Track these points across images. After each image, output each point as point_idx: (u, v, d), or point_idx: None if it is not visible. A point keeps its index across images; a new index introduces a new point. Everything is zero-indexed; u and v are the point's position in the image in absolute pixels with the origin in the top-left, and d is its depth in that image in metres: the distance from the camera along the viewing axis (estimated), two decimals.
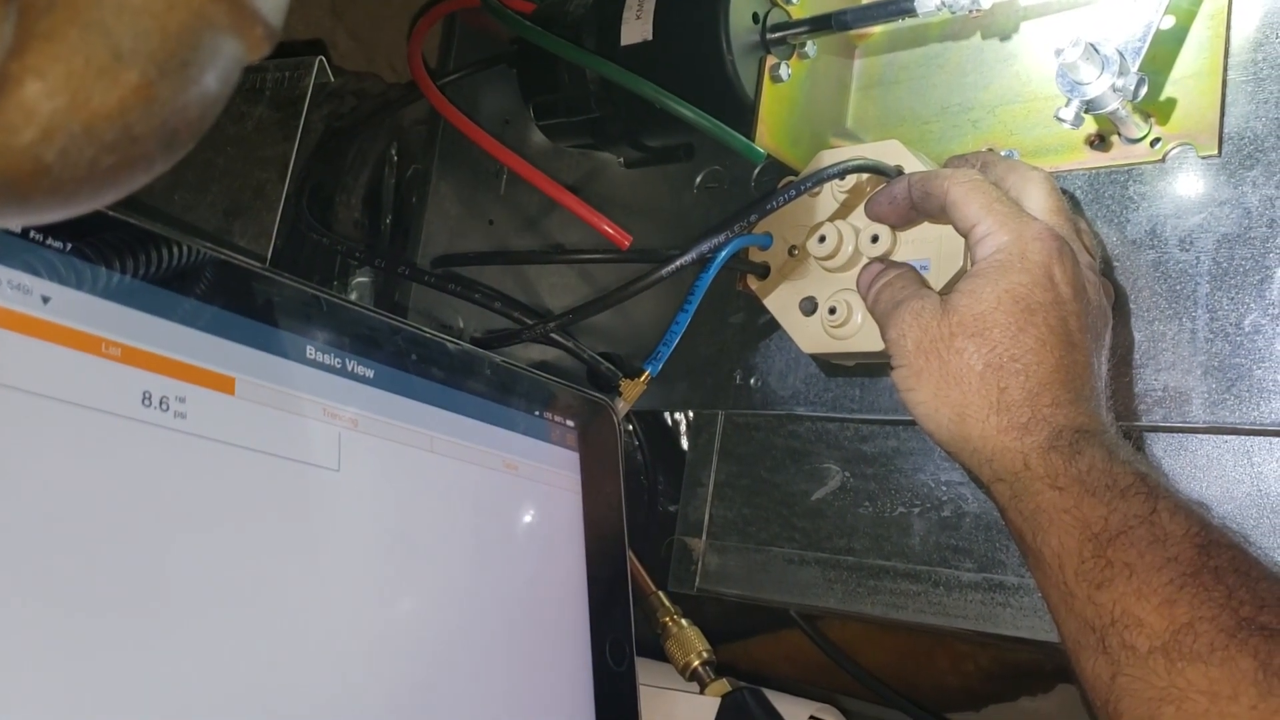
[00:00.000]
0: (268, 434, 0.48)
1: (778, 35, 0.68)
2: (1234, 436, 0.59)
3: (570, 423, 0.65)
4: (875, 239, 0.64)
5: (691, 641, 0.65)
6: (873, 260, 0.63)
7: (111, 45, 0.27)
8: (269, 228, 0.70)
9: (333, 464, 0.50)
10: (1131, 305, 0.61)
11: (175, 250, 0.46)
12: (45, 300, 0.42)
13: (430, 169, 0.83)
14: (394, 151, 0.87)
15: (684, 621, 0.66)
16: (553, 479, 0.63)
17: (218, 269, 0.48)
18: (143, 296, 0.45)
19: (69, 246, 0.43)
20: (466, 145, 0.75)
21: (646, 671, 0.65)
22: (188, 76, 0.28)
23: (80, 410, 0.42)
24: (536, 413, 0.63)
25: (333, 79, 0.76)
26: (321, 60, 0.73)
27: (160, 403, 0.44)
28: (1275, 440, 0.58)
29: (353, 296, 0.81)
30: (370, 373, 0.53)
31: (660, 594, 0.67)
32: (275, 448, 0.48)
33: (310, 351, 0.51)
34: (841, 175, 0.64)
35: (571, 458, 0.64)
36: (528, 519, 0.60)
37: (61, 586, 0.40)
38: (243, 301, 0.48)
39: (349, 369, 0.52)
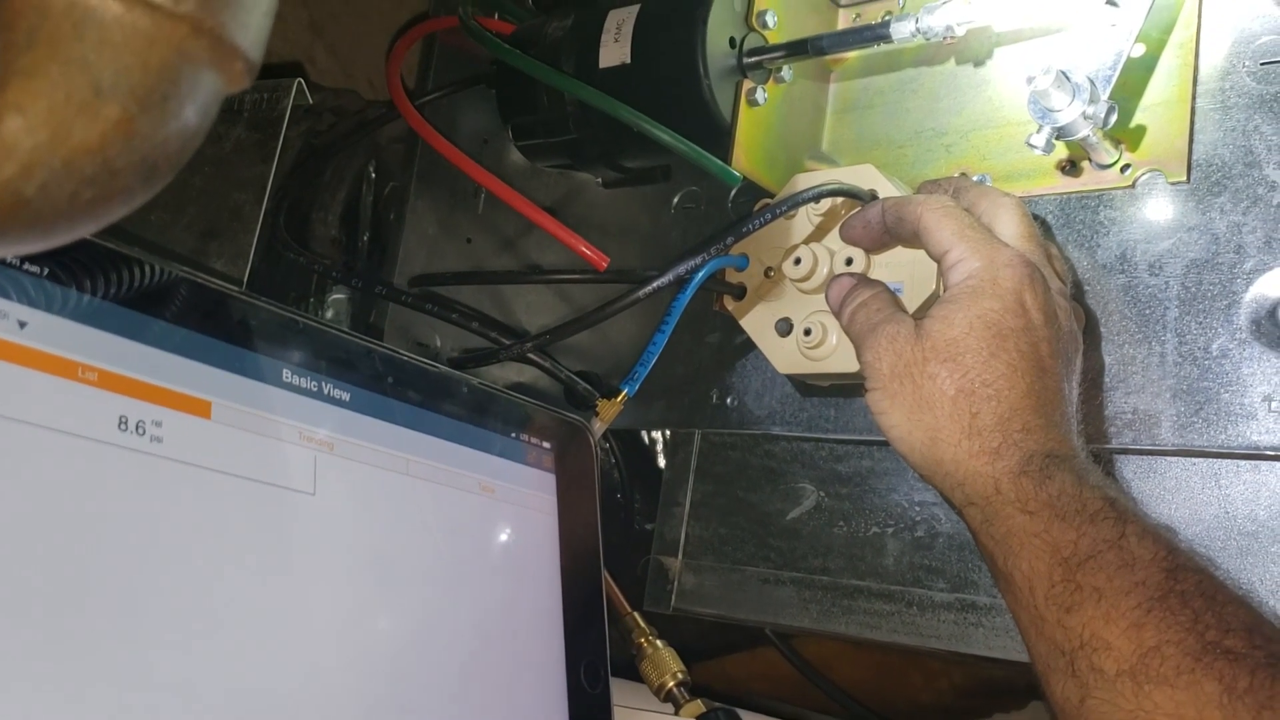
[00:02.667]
0: (244, 458, 0.48)
1: (754, 60, 0.68)
2: (1202, 459, 0.60)
3: (546, 444, 0.65)
4: (849, 262, 0.64)
5: (666, 662, 0.65)
6: (842, 274, 0.64)
7: (92, 81, 0.27)
8: (246, 249, 0.70)
9: (308, 488, 0.50)
10: (1102, 329, 0.62)
11: (152, 274, 0.46)
12: (22, 325, 0.42)
13: (408, 187, 0.83)
14: (372, 169, 0.87)
15: (659, 642, 0.66)
16: (528, 501, 0.63)
17: (194, 292, 0.48)
18: (119, 320, 0.45)
19: (46, 271, 0.43)
20: (445, 164, 0.75)
21: (621, 692, 0.65)
22: (168, 110, 0.29)
23: (56, 435, 0.42)
24: (513, 434, 0.63)
25: (310, 100, 0.76)
26: (300, 82, 0.74)
27: (137, 427, 0.44)
28: (1242, 463, 0.59)
29: (329, 314, 0.82)
30: (346, 396, 0.54)
31: (635, 615, 0.67)
32: (251, 472, 0.48)
33: (286, 375, 0.51)
34: (816, 199, 0.65)
35: (548, 479, 0.65)
36: (503, 541, 0.60)
37: (37, 611, 0.40)
38: (219, 325, 0.49)
39: (325, 392, 0.52)
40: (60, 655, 0.40)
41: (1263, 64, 0.60)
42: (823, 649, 0.86)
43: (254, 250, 0.70)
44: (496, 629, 0.59)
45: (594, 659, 0.63)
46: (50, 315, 0.43)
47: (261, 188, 0.70)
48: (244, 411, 0.48)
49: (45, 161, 0.27)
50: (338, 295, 0.82)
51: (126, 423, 0.44)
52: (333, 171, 0.86)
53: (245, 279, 0.70)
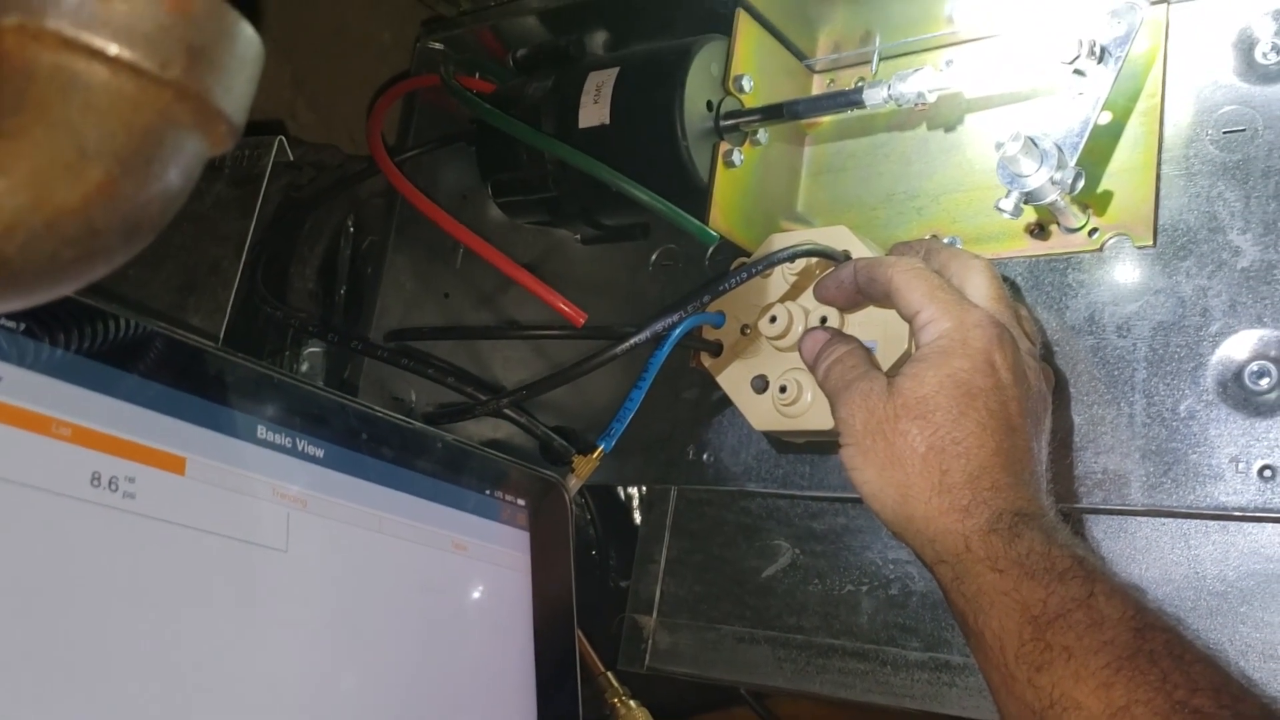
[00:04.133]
0: (217, 514, 0.48)
1: (730, 123, 0.70)
2: (1171, 519, 0.61)
3: (521, 501, 0.65)
4: (824, 320, 0.65)
5: None
6: (815, 328, 0.64)
7: (77, 143, 0.27)
8: (223, 304, 0.70)
9: (281, 545, 0.50)
10: (1071, 390, 0.63)
11: (128, 329, 0.46)
12: None
13: (386, 241, 0.84)
14: (351, 223, 0.88)
15: (632, 703, 0.66)
16: (502, 559, 0.63)
17: (170, 348, 0.48)
18: (94, 375, 0.45)
19: (21, 326, 0.43)
20: (423, 219, 0.76)
21: None
22: (151, 173, 0.29)
23: (28, 491, 0.41)
24: (487, 491, 0.63)
25: (291, 156, 0.76)
26: (282, 140, 0.74)
27: (110, 483, 0.44)
28: (1211, 524, 0.60)
29: (304, 368, 0.81)
30: (320, 452, 0.54)
31: (609, 674, 0.67)
32: (224, 528, 0.48)
33: (261, 431, 0.51)
34: (791, 259, 0.65)
35: (522, 537, 0.65)
36: (476, 600, 0.60)
37: (6, 667, 0.40)
38: (194, 381, 0.49)
39: (299, 449, 0.52)
40: (30, 712, 0.40)
41: (1225, 132, 0.62)
42: (797, 708, 0.85)
43: (231, 305, 0.70)
44: (467, 688, 0.58)
45: (566, 719, 0.62)
46: (24, 370, 0.43)
47: (241, 243, 0.71)
48: (218, 468, 0.48)
49: (27, 222, 0.27)
50: (313, 349, 0.82)
51: (100, 479, 0.44)
52: (311, 225, 0.86)
53: (221, 334, 0.70)
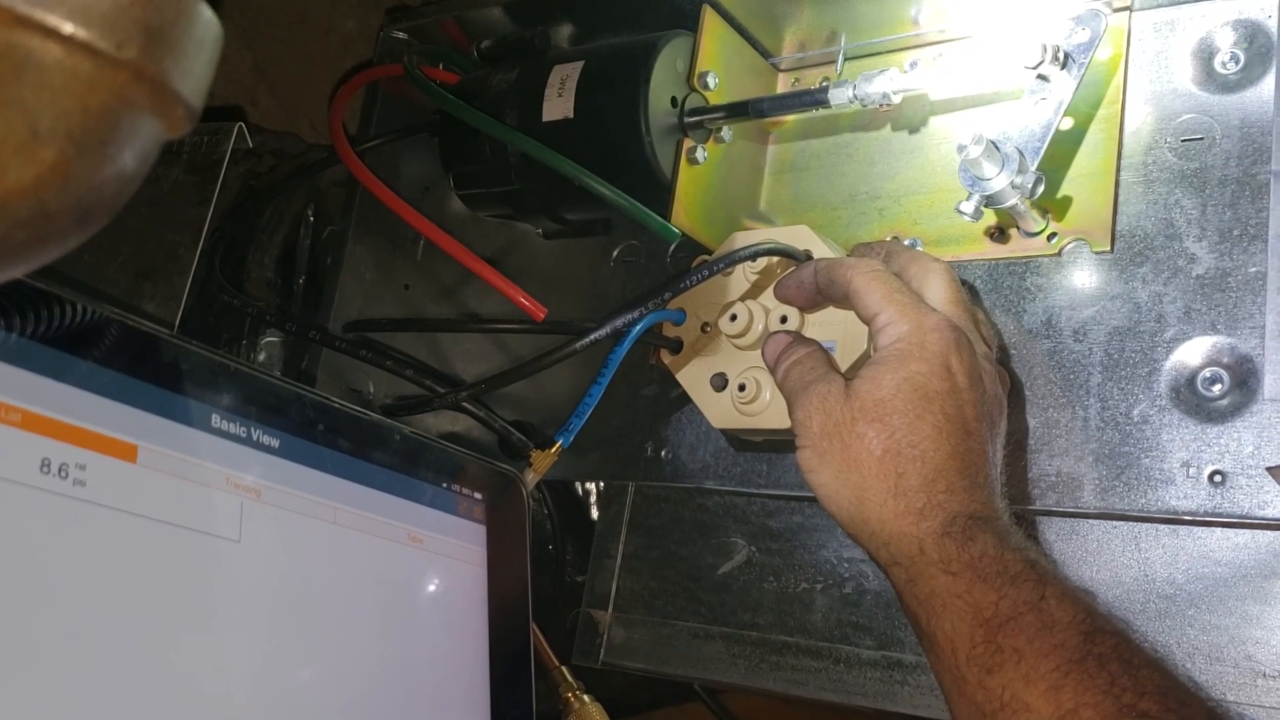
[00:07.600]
0: (169, 504, 0.47)
1: (695, 119, 0.70)
2: (1123, 523, 0.61)
3: (478, 495, 0.65)
4: (784, 319, 0.65)
5: (593, 717, 0.65)
6: (779, 331, 0.65)
7: (29, 123, 0.27)
8: (179, 291, 0.69)
9: (234, 535, 0.50)
10: (1027, 393, 0.63)
11: (80, 314, 0.46)
12: None
13: (347, 231, 0.83)
14: (311, 212, 0.87)
15: (586, 697, 0.66)
16: (458, 552, 0.62)
17: (124, 334, 0.47)
18: (45, 360, 0.44)
19: None
20: (384, 209, 0.75)
21: None
22: (106, 155, 0.29)
23: None
24: (444, 485, 0.63)
25: (251, 144, 0.76)
26: (241, 127, 0.73)
27: (60, 470, 0.43)
28: (1161, 527, 0.61)
29: (261, 357, 0.81)
30: (276, 442, 0.53)
31: (563, 669, 0.67)
32: (176, 518, 0.47)
33: (215, 420, 0.50)
34: (753, 258, 0.66)
35: (478, 531, 0.64)
36: (430, 593, 0.60)
37: None
38: (148, 368, 0.48)
39: (254, 438, 0.52)
40: None
41: (1183, 140, 0.62)
42: (751, 705, 0.86)
43: (187, 292, 0.69)
44: (421, 681, 0.58)
45: (520, 713, 0.62)
46: None
47: (198, 230, 0.70)
48: (171, 456, 0.48)
49: None
50: (270, 339, 0.81)
51: (49, 465, 0.43)
52: (271, 213, 0.85)
53: (177, 321, 0.69)
